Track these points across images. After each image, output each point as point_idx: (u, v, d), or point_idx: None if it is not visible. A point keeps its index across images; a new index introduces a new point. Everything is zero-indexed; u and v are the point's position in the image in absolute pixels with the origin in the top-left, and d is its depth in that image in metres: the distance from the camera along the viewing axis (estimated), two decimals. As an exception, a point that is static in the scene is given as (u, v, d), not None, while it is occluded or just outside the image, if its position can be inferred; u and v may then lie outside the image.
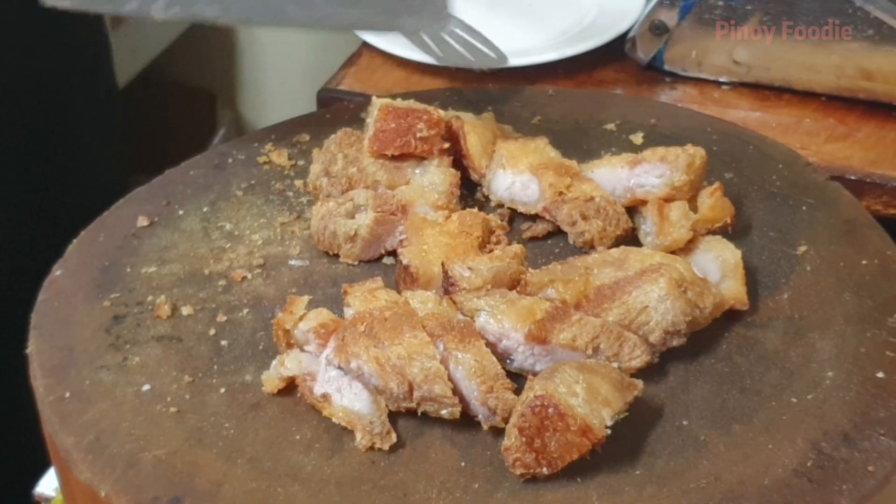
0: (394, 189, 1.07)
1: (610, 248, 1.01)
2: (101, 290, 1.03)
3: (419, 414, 0.88)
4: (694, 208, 1.03)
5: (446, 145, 1.09)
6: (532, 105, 1.26)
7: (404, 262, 0.98)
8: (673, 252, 0.99)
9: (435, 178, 1.07)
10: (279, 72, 2.42)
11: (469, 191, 1.12)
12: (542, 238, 1.07)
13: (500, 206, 1.09)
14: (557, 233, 1.07)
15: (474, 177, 1.11)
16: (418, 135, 1.08)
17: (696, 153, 1.03)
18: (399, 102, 1.10)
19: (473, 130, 1.11)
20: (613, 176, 1.06)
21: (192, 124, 2.52)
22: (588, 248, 1.03)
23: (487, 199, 1.11)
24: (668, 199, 1.03)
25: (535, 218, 1.08)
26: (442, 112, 1.10)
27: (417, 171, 1.08)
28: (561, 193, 1.05)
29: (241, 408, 0.91)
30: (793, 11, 1.45)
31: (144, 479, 0.85)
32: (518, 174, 1.07)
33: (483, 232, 1.03)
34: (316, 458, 0.86)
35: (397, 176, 1.08)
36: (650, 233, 1.02)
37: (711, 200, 1.03)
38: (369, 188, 1.07)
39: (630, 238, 1.04)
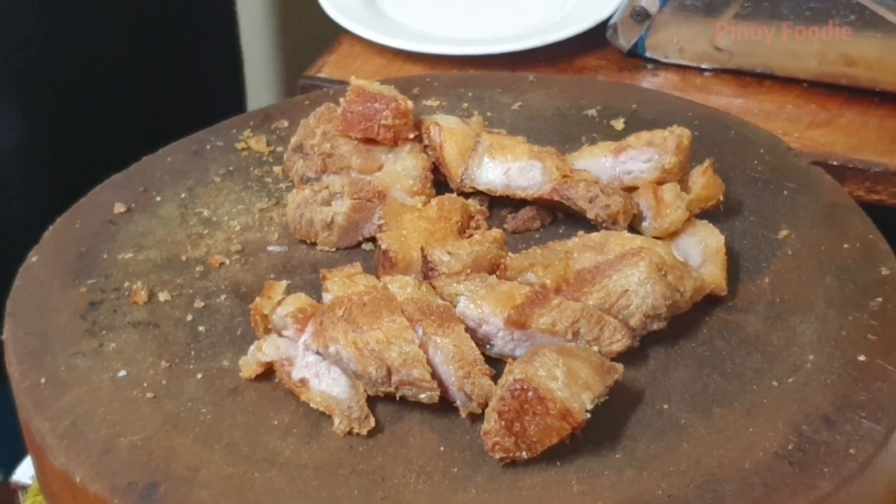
0: (366, 173, 1.06)
1: (624, 229, 1.00)
2: (77, 276, 1.02)
3: (398, 398, 0.87)
4: (684, 189, 1.02)
5: (412, 135, 1.07)
6: (513, 91, 1.25)
7: (383, 246, 0.97)
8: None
9: (407, 163, 1.06)
10: (260, 59, 2.41)
11: (445, 176, 1.10)
12: (525, 230, 1.06)
13: (479, 192, 1.08)
14: (542, 224, 1.06)
15: (451, 184, 1.08)
16: (382, 122, 1.06)
17: (682, 133, 1.02)
18: (372, 86, 1.08)
19: (451, 138, 1.08)
20: (597, 165, 1.05)
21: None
22: (611, 222, 1.00)
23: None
24: (658, 183, 1.02)
25: (518, 205, 1.06)
26: (411, 103, 1.07)
27: (390, 155, 1.07)
28: (566, 176, 1.03)
29: (218, 393, 0.90)
30: (774, -3, 1.46)
31: (120, 465, 0.84)
32: (515, 159, 1.05)
33: (462, 217, 1.02)
34: (294, 443, 0.86)
35: (369, 160, 1.07)
36: (646, 217, 1.01)
37: (704, 179, 1.02)
38: (341, 171, 1.06)
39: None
